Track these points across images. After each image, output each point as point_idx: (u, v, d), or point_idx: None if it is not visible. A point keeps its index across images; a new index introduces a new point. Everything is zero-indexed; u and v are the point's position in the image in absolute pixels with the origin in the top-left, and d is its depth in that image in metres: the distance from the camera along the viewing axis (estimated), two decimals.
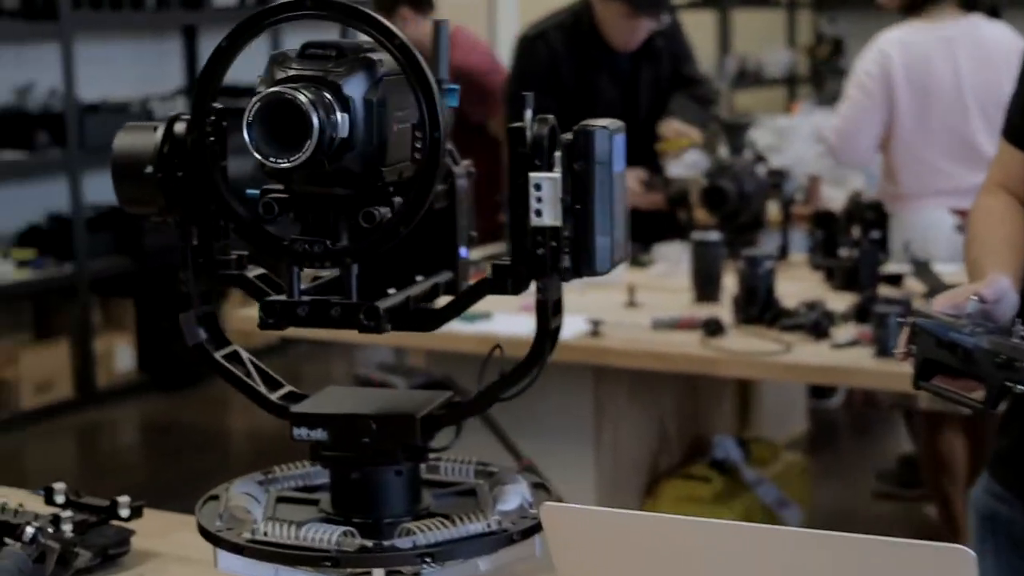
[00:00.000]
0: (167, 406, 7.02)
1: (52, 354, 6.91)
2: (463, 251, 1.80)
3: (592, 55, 4.80)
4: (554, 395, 3.91)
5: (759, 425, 4.92)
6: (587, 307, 3.84)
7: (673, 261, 4.43)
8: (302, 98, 1.58)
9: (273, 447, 5.61)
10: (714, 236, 4.09)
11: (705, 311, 3.89)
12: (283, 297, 1.73)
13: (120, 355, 7.12)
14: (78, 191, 6.90)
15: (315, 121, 1.58)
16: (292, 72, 1.63)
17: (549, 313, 1.71)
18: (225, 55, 1.66)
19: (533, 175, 1.66)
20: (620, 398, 4.08)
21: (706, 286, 4.06)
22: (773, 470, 4.44)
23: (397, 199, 1.65)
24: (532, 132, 1.67)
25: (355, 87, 1.61)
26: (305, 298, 1.71)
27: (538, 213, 1.67)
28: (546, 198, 1.66)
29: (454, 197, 1.79)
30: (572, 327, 3.74)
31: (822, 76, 10.58)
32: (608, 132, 1.66)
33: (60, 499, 2.06)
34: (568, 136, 1.66)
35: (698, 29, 7.12)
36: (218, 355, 1.82)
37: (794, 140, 6.25)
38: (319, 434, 1.75)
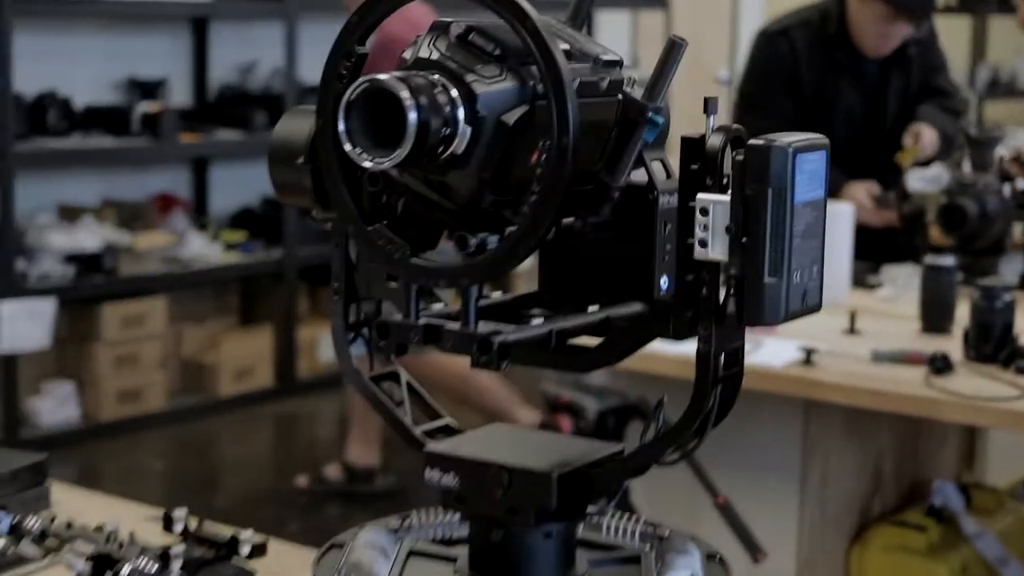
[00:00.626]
0: None
1: (254, 341, 6.83)
2: (663, 282, 1.48)
3: (837, 58, 4.48)
4: (759, 426, 3.59)
5: (984, 468, 4.51)
6: (802, 331, 3.51)
7: (902, 285, 4.08)
8: (405, 93, 1.31)
9: None
10: (948, 261, 3.72)
11: (933, 344, 3.53)
12: (398, 318, 1.48)
13: (324, 345, 7.00)
14: None
15: (413, 122, 1.31)
16: (436, 55, 1.37)
17: (711, 367, 1.41)
18: (353, 32, 1.42)
19: (702, 196, 1.37)
20: (832, 433, 3.74)
21: (936, 316, 3.70)
22: (997, 522, 4.04)
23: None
24: (710, 143, 1.38)
25: (493, 101, 1.34)
26: (421, 321, 1.46)
27: (703, 243, 1.37)
28: (714, 226, 1.36)
29: (653, 216, 1.48)
30: (783, 354, 3.43)
31: None
32: (790, 150, 1.35)
33: (178, 528, 1.85)
34: (739, 153, 1.36)
35: (950, 35, 6.72)
36: (369, 376, 1.59)
37: None
38: (450, 479, 1.50)
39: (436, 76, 1.34)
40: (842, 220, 3.94)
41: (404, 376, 1.63)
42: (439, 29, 1.39)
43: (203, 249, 6.64)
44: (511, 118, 1.34)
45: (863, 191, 4.50)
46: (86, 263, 6.20)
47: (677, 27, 8.65)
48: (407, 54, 1.40)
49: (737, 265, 1.35)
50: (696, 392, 1.42)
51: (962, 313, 3.64)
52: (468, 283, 1.41)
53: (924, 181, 4.58)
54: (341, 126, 1.36)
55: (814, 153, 1.37)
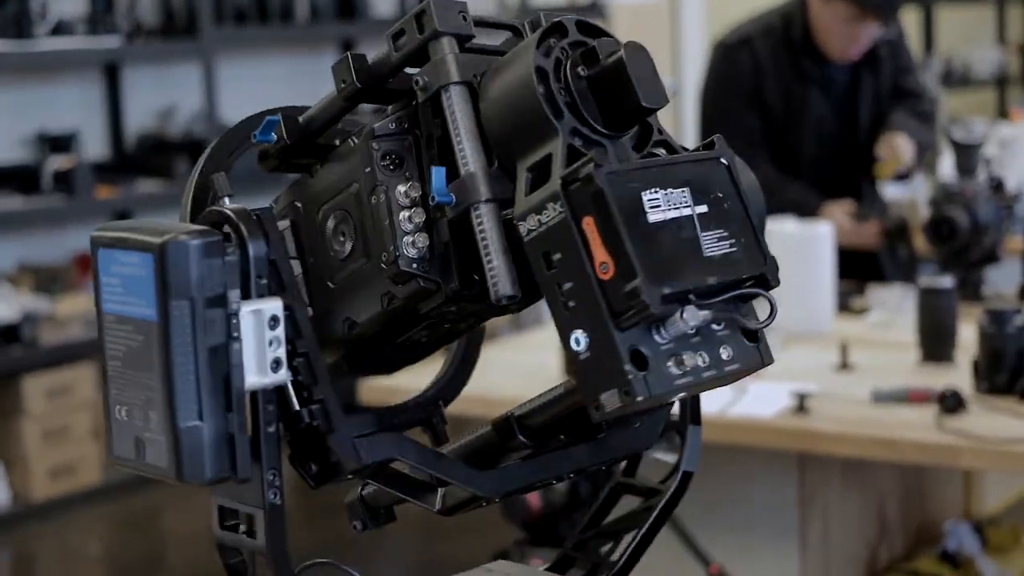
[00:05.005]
0: None
1: None
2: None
3: (803, 66, 4.11)
4: (750, 482, 3.22)
5: (983, 489, 4.14)
6: (790, 368, 3.13)
7: (893, 308, 3.70)
8: None
9: (431, 517, 5.06)
10: (946, 282, 3.35)
11: (936, 376, 3.16)
12: None
13: None
14: None
15: None
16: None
17: None
18: None
19: None
20: (830, 481, 3.37)
21: (936, 344, 3.33)
22: (1016, 562, 3.69)
23: None
24: None
25: None
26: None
27: None
28: None
29: None
30: (772, 400, 3.04)
31: None
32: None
33: None
34: None
35: None
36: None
37: (1020, 153, 5.47)
38: None
39: None
40: (822, 243, 3.58)
41: None
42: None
43: None
44: None
45: (840, 212, 4.12)
46: (3, 334, 5.86)
47: (617, 37, 8.29)
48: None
49: None
50: None
51: (963, 335, 3.27)
52: None
53: (899, 189, 4.24)
54: None
55: (134, 255, 1.12)
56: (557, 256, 1.14)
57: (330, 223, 1.26)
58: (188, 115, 6.78)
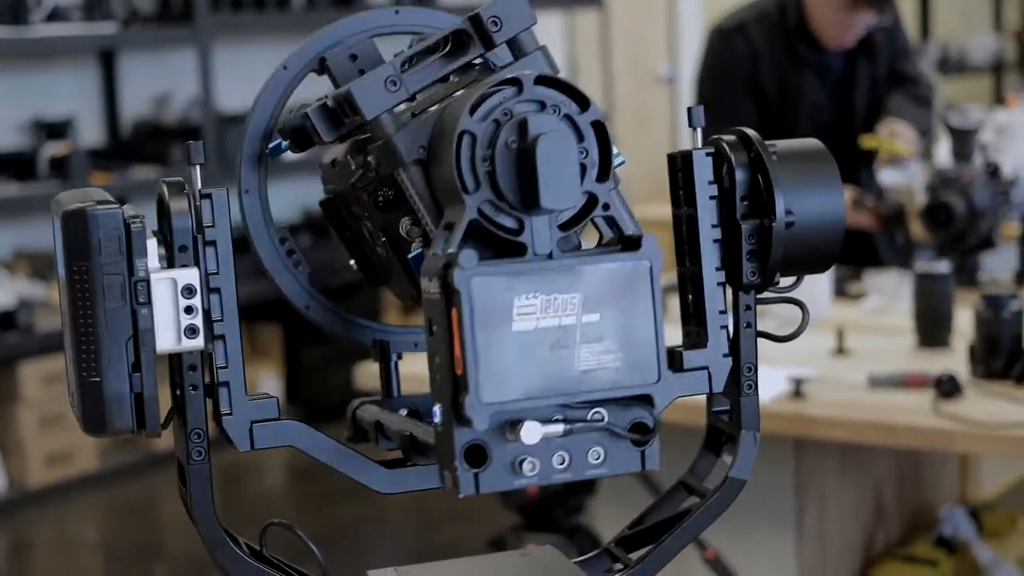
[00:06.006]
0: None
1: None
2: None
3: (799, 52, 4.09)
4: None
5: (979, 473, 4.13)
6: (786, 353, 3.09)
7: (890, 294, 3.70)
8: None
9: (427, 502, 5.06)
10: (942, 267, 3.35)
11: (932, 361, 3.16)
12: None
13: (264, 385, 6.59)
14: None
15: None
16: None
17: None
18: None
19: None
20: (827, 466, 3.36)
21: (933, 329, 3.32)
22: (1013, 547, 3.68)
23: None
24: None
25: None
26: None
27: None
28: None
29: None
30: (768, 385, 3.02)
31: None
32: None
33: None
34: None
35: None
36: None
37: (1016, 138, 5.46)
38: None
39: None
40: None
41: None
42: None
43: None
44: None
45: None
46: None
47: (614, 26, 8.28)
48: None
49: None
50: None
51: (960, 320, 3.27)
52: None
53: (896, 175, 4.22)
54: None
55: (57, 222, 1.20)
56: (434, 328, 1.14)
57: None
58: (184, 102, 6.75)
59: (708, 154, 1.28)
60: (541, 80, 1.15)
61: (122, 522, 6.00)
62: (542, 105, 1.15)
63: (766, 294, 1.33)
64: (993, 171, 3.80)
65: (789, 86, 4.11)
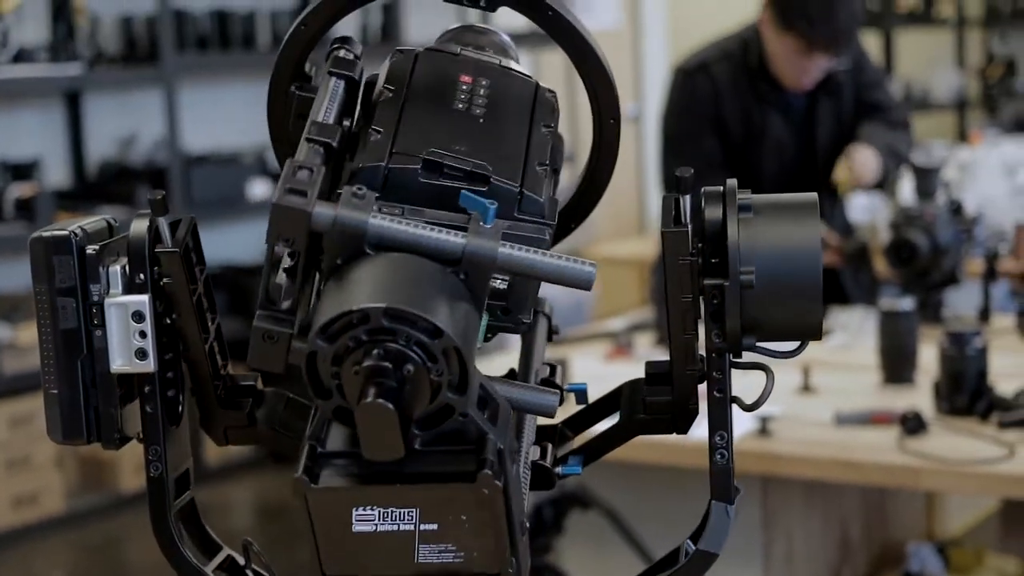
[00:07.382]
0: (285, 485, 6.42)
1: None
2: None
3: (761, 91, 4.11)
4: None
5: (945, 509, 4.15)
6: (753, 390, 3.13)
7: (854, 330, 3.72)
8: None
9: None
10: (906, 304, 3.37)
11: (897, 397, 3.18)
12: None
13: None
14: None
15: None
16: None
17: None
18: None
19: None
20: (793, 503, 3.37)
21: (897, 366, 3.34)
22: None
23: None
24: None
25: None
26: None
27: None
28: None
29: None
30: (736, 424, 3.02)
31: (994, 99, 9.78)
32: None
33: None
34: None
35: None
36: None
37: (979, 176, 5.50)
38: None
39: None
40: None
41: None
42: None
43: None
44: None
45: None
46: None
47: None
48: None
49: None
50: None
51: (924, 357, 3.29)
52: None
53: (860, 211, 4.25)
54: None
55: None
56: None
57: None
58: (150, 142, 6.73)
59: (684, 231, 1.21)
60: (390, 314, 1.05)
61: (89, 563, 5.96)
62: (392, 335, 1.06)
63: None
64: (956, 208, 3.83)
65: (753, 124, 4.13)
